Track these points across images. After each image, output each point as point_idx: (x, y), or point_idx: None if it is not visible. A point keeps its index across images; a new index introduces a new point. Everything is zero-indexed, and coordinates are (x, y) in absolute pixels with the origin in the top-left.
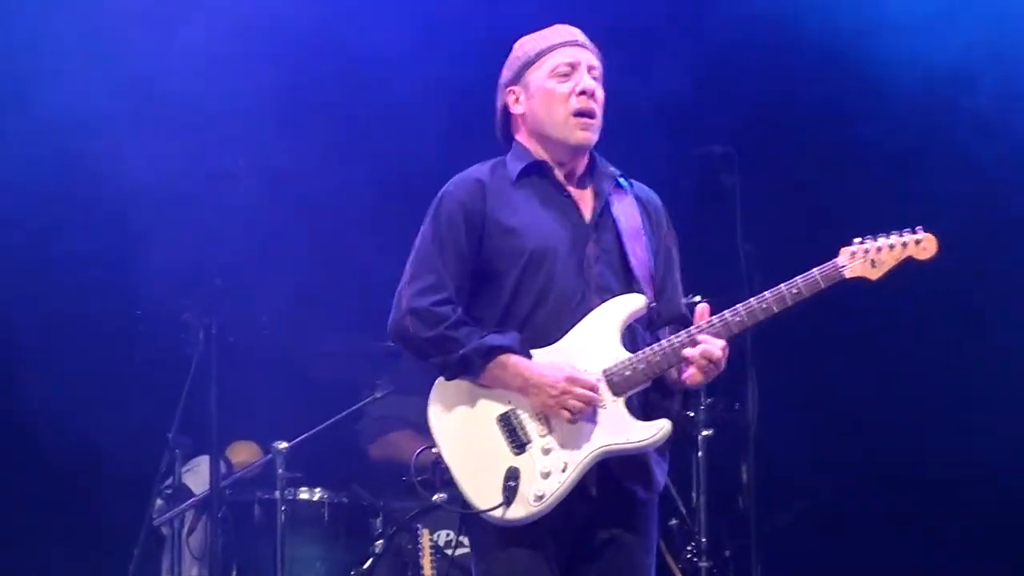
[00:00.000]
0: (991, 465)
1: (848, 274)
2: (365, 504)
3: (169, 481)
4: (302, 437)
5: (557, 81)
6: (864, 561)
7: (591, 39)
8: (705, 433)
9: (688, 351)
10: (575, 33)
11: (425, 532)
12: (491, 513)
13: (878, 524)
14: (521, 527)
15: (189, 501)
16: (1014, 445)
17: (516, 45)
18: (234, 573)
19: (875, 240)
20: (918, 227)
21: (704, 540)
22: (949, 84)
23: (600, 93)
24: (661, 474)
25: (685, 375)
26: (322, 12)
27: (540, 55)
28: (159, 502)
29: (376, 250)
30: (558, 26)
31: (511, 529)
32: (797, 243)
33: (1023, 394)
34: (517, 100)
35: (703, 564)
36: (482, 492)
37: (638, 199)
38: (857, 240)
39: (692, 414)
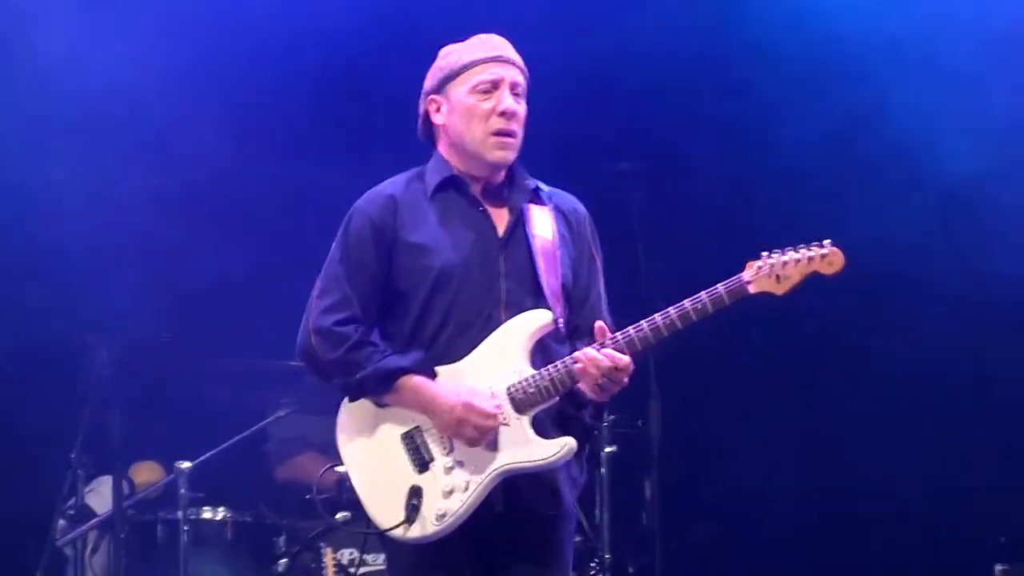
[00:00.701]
0: (899, 481)
1: (753, 289)
2: (269, 523)
3: (72, 501)
4: (205, 457)
5: (478, 98)
6: None
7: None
8: (608, 449)
9: (579, 365)
10: (502, 47)
11: (328, 551)
12: (393, 532)
13: (781, 540)
14: (433, 545)
15: (92, 521)
16: (923, 457)
17: (441, 53)
18: None
19: (781, 254)
20: (825, 241)
21: (608, 556)
22: (857, 98)
23: (522, 111)
24: (571, 491)
25: (584, 389)
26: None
27: (464, 68)
28: (62, 522)
29: (279, 269)
30: (486, 37)
31: (424, 547)
32: (701, 260)
33: (935, 405)
34: (438, 110)
35: None
36: (386, 511)
37: (558, 210)
38: (764, 254)
39: (596, 431)
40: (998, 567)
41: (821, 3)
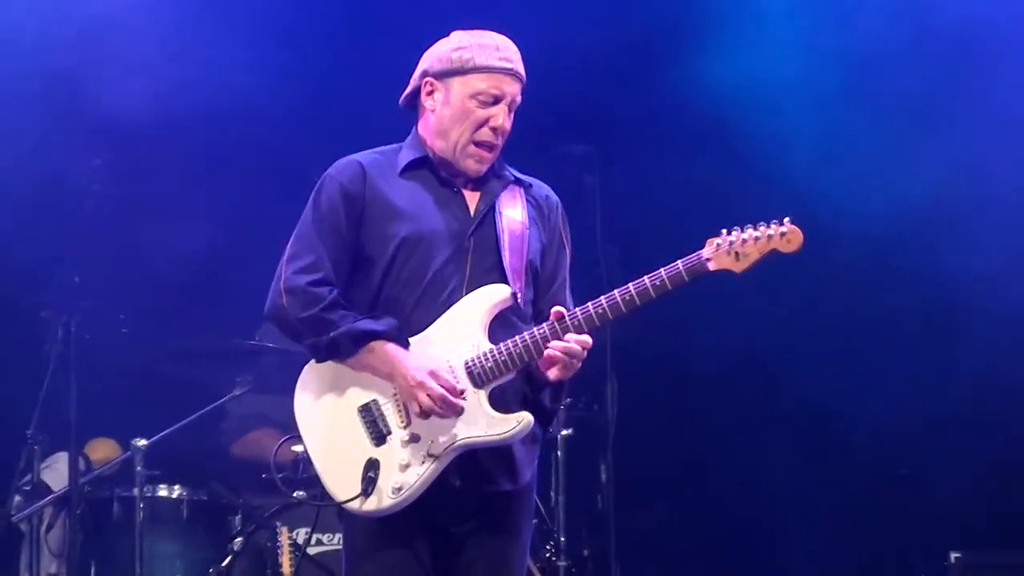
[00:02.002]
0: (852, 466)
1: (712, 267)
2: (224, 501)
3: (28, 478)
4: (161, 434)
5: (476, 105)
6: (721, 560)
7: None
8: (564, 432)
9: (551, 350)
10: (514, 60)
11: (284, 530)
12: (349, 505)
13: (735, 524)
14: (391, 519)
15: (48, 498)
16: (876, 441)
17: (453, 40)
18: (92, 570)
19: (740, 232)
20: (785, 219)
21: (563, 539)
22: (814, 84)
23: (508, 126)
24: (528, 466)
25: (546, 371)
26: None
27: (474, 70)
28: (17, 498)
29: (237, 248)
30: (502, 42)
31: (381, 522)
32: (658, 243)
33: (886, 386)
34: (431, 95)
35: (561, 563)
36: (342, 484)
37: (532, 198)
38: (723, 231)
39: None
40: (953, 555)
41: None
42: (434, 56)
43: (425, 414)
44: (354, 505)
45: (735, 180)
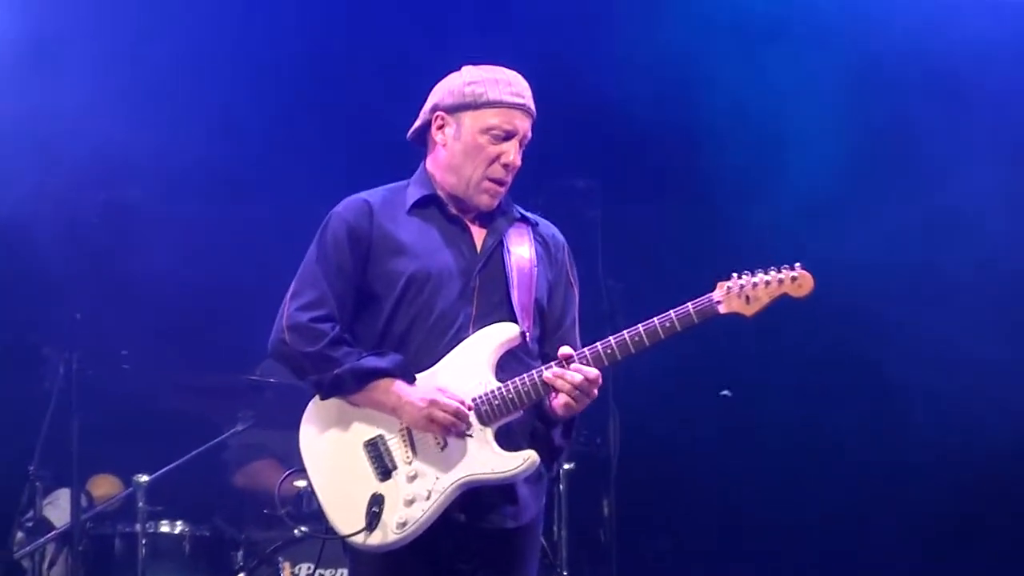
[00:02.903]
0: (855, 505)
1: (723, 309)
2: (226, 537)
3: (30, 514)
4: (163, 470)
5: (488, 141)
6: None
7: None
8: (567, 466)
9: (548, 376)
10: (525, 96)
11: (286, 565)
12: (353, 539)
13: (738, 557)
14: (395, 554)
15: (50, 534)
16: (878, 489)
17: (465, 74)
18: None
19: (751, 276)
20: (796, 264)
21: (566, 573)
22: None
23: (519, 162)
24: (534, 503)
25: (554, 403)
26: None
27: (486, 105)
28: (19, 535)
29: (239, 284)
30: (514, 78)
31: (386, 556)
32: (661, 278)
33: (890, 432)
34: (441, 129)
35: None
36: (347, 518)
37: (539, 236)
38: (734, 275)
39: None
40: None
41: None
42: (445, 90)
43: (444, 435)
44: (358, 539)
45: (737, 217)
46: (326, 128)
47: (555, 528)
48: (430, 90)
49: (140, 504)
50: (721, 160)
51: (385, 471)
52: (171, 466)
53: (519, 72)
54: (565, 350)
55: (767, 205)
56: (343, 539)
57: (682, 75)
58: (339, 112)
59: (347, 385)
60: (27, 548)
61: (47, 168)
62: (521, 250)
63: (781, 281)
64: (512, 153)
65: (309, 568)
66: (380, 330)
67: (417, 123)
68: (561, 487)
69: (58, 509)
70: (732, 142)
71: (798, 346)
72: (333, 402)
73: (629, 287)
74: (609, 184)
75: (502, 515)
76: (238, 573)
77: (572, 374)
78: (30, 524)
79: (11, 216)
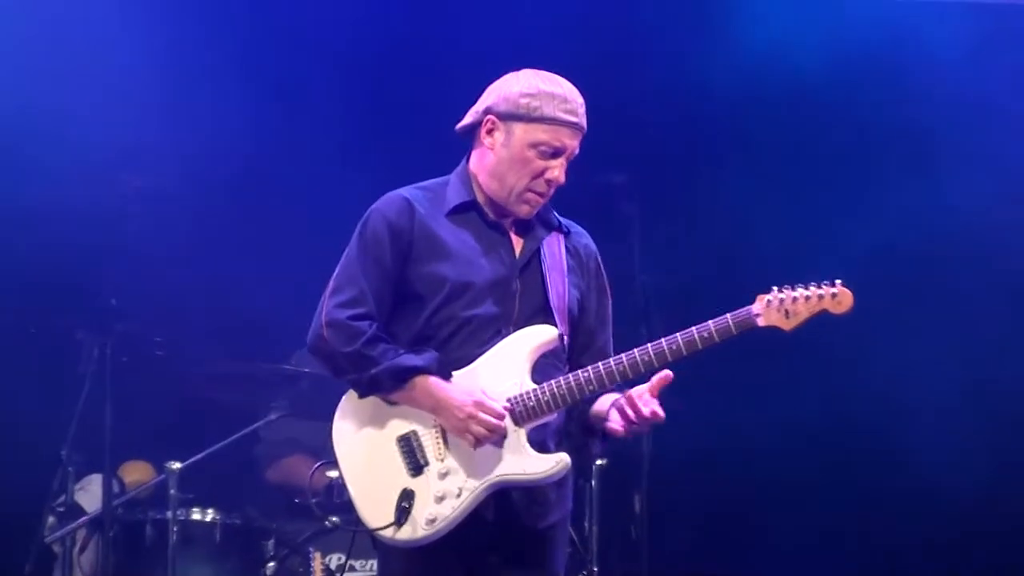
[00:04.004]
0: (887, 498)
1: (762, 323)
2: (257, 526)
3: (61, 499)
4: (196, 458)
5: (536, 154)
6: None
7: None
8: (599, 463)
9: (623, 401)
10: (579, 113)
11: (317, 555)
12: (382, 533)
13: (770, 556)
14: (426, 550)
15: (81, 519)
16: (911, 481)
17: (525, 80)
18: None
19: (791, 290)
20: (837, 281)
21: (596, 569)
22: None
23: (564, 179)
24: (561, 505)
25: (610, 423)
26: None
27: (540, 120)
28: (51, 519)
29: (273, 274)
30: (571, 93)
31: (417, 551)
32: (696, 274)
33: (919, 425)
34: (490, 133)
35: None
36: (376, 512)
37: (571, 246)
38: (774, 288)
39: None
40: None
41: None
42: (501, 95)
43: (477, 445)
44: (387, 534)
45: (773, 211)
46: (364, 119)
47: (586, 523)
48: (484, 87)
49: (172, 491)
50: (759, 156)
51: (417, 467)
52: (203, 454)
53: (556, 68)
54: (666, 374)
55: (804, 203)
56: (371, 533)
57: (724, 69)
58: (376, 102)
59: (384, 384)
60: (58, 533)
61: (84, 155)
62: (556, 256)
63: (821, 297)
64: (558, 170)
65: (340, 559)
66: (418, 331)
67: (468, 120)
68: (593, 483)
69: (89, 494)
70: (771, 138)
71: (838, 334)
72: (368, 397)
73: (664, 283)
74: (646, 179)
75: (530, 515)
76: (268, 562)
77: (647, 406)
78: (61, 509)
79: (47, 201)
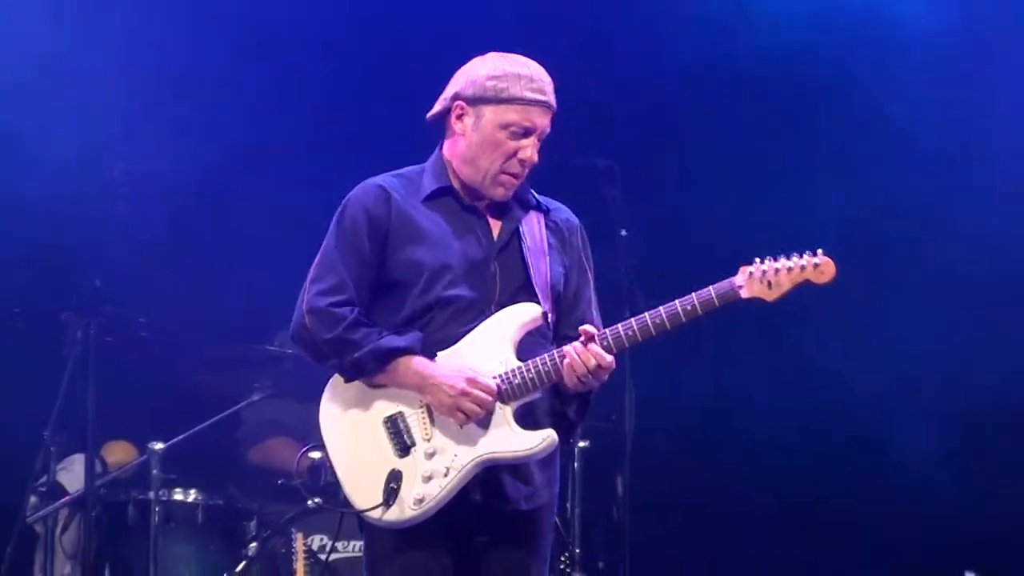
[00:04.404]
0: (871, 477)
1: (745, 294)
2: (240, 507)
3: (43, 479)
4: (178, 438)
5: (507, 136)
6: (735, 574)
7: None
8: (581, 444)
9: (566, 360)
10: (547, 91)
11: (299, 536)
12: (370, 514)
13: (754, 538)
14: (413, 531)
15: (63, 499)
16: (890, 455)
17: (491, 62)
18: (107, 572)
19: (774, 261)
20: (819, 250)
21: (578, 551)
22: (832, 93)
23: (536, 158)
24: (548, 488)
25: (566, 380)
26: None
27: (508, 101)
28: (33, 499)
29: (258, 254)
30: (536, 72)
31: (403, 532)
32: (680, 257)
33: (904, 404)
34: (460, 119)
35: (576, 575)
36: (364, 493)
37: (552, 223)
38: (756, 260)
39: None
40: (968, 574)
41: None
42: (467, 79)
43: (465, 422)
44: (374, 515)
45: (758, 196)
46: (350, 105)
47: (568, 505)
48: (451, 73)
49: (154, 471)
50: (743, 138)
51: (404, 447)
52: (186, 434)
53: (541, 51)
54: (587, 328)
55: (788, 183)
56: (359, 514)
57: (706, 53)
58: (362, 88)
59: (368, 367)
60: (40, 513)
61: (72, 137)
62: (535, 234)
63: (803, 268)
64: (530, 150)
65: (322, 539)
66: (401, 317)
67: (437, 107)
68: (576, 464)
69: (72, 474)
70: (753, 121)
71: (821, 313)
72: (354, 381)
73: (648, 266)
74: (629, 163)
75: (517, 497)
76: (250, 543)
77: (588, 357)
78: (43, 489)
79: (34, 184)
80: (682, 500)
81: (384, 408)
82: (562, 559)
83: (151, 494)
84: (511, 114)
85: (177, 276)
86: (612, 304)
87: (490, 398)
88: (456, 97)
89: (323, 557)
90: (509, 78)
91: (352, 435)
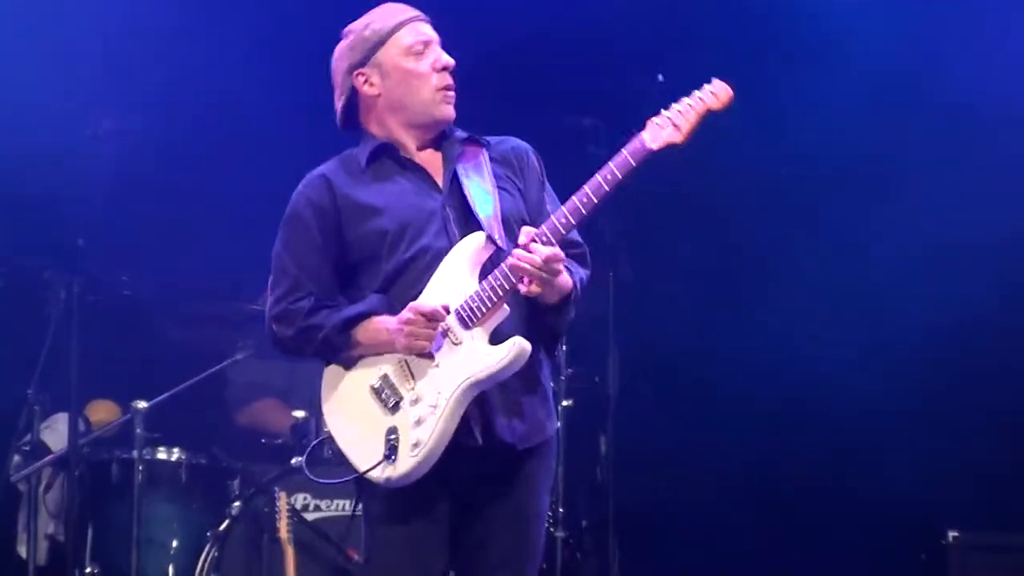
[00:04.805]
0: (851, 446)
1: (654, 145)
2: (223, 466)
3: (27, 438)
4: (162, 397)
5: (415, 59)
6: (719, 535)
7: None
8: (565, 403)
9: (512, 262)
10: (413, 9)
11: (282, 495)
12: (374, 474)
13: (735, 499)
14: (408, 492)
15: (47, 458)
16: (877, 422)
17: (357, 27)
18: (90, 531)
19: (675, 104)
20: (713, 78)
21: (561, 511)
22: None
23: (452, 61)
24: (547, 424)
25: (523, 289)
26: None
27: (391, 32)
28: (16, 458)
29: (243, 213)
30: (390, 4)
31: (398, 494)
32: (662, 215)
33: (892, 368)
34: (368, 82)
35: (559, 534)
36: (368, 458)
37: (496, 154)
38: (662, 110)
39: (553, 384)
40: (951, 533)
41: None
42: (346, 52)
43: (424, 348)
44: (380, 474)
45: (742, 157)
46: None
47: None
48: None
49: (138, 430)
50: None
51: (394, 405)
52: (169, 393)
53: (528, 8)
54: (526, 229)
55: (765, 152)
56: (364, 475)
57: (693, 16)
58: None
59: (336, 342)
60: (24, 472)
61: (54, 96)
62: (477, 174)
63: (702, 100)
64: (443, 56)
65: (305, 498)
66: (379, 287)
67: (342, 102)
68: (559, 424)
69: (55, 433)
70: (738, 78)
71: (810, 274)
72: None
73: (629, 225)
74: (613, 123)
75: (513, 435)
76: (234, 502)
77: (530, 256)
78: (27, 448)
79: (15, 142)
80: (665, 461)
81: (369, 376)
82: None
83: (135, 453)
84: (403, 40)
85: (161, 235)
86: (595, 267)
87: (434, 309)
88: (350, 71)
89: (307, 516)
90: (377, 20)
91: (349, 414)
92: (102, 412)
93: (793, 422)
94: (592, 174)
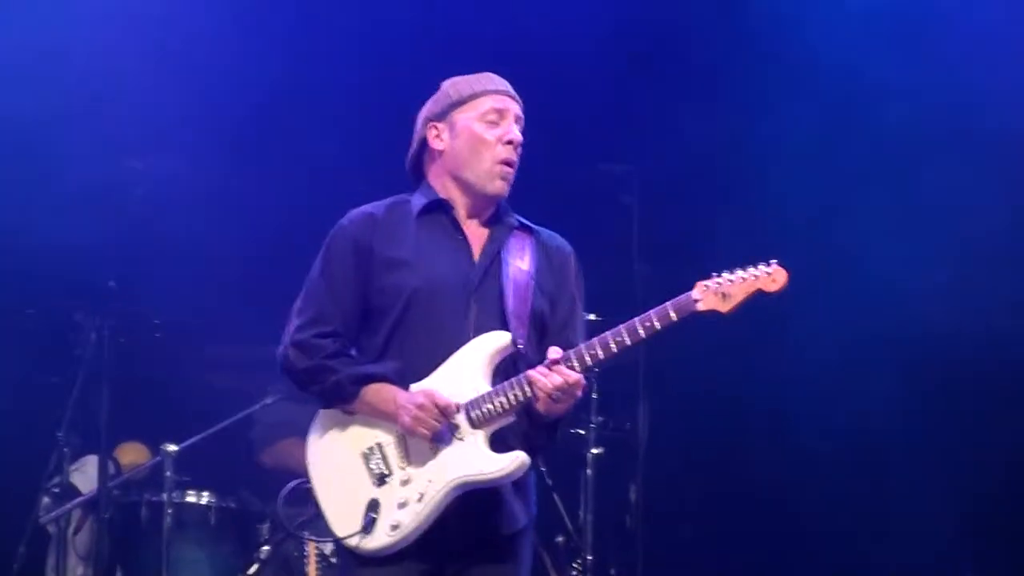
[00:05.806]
0: (876, 492)
1: (701, 307)
2: (253, 510)
3: (57, 479)
4: (192, 440)
5: (486, 126)
6: None
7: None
8: (595, 451)
9: (532, 375)
10: (506, 84)
11: (311, 540)
12: (349, 542)
13: (763, 546)
14: (384, 560)
15: (76, 500)
16: (901, 467)
17: (447, 83)
18: (119, 574)
19: (729, 274)
20: (772, 260)
21: (590, 558)
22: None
23: (521, 137)
24: (523, 514)
25: (538, 404)
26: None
27: (472, 97)
28: (46, 500)
29: (273, 256)
30: (489, 74)
31: (373, 561)
32: (693, 265)
33: (917, 417)
34: (438, 136)
35: None
36: (344, 522)
37: (542, 246)
38: (714, 274)
39: (583, 432)
40: None
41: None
42: (430, 103)
43: (428, 437)
44: (352, 542)
45: (772, 204)
46: (365, 100)
47: (581, 512)
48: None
49: (167, 473)
50: (758, 149)
51: (381, 477)
52: (200, 436)
53: (560, 57)
54: (553, 351)
55: (801, 197)
56: (340, 541)
57: (721, 58)
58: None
59: (344, 390)
60: (53, 514)
61: (85, 136)
62: (519, 261)
63: (756, 277)
64: (513, 129)
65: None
66: (382, 343)
67: (414, 147)
68: (588, 471)
69: (85, 476)
70: (767, 126)
71: (834, 331)
72: (335, 413)
73: (662, 273)
74: (646, 170)
75: (492, 523)
76: (263, 546)
77: (553, 376)
78: (56, 490)
79: (47, 183)
80: (695, 509)
81: (363, 439)
82: (574, 566)
83: (164, 496)
84: (481, 106)
85: (192, 277)
86: (625, 312)
87: (448, 403)
88: (427, 122)
89: (334, 561)
90: (466, 82)
91: (334, 469)
92: (132, 454)
93: (828, 471)
94: (624, 222)
